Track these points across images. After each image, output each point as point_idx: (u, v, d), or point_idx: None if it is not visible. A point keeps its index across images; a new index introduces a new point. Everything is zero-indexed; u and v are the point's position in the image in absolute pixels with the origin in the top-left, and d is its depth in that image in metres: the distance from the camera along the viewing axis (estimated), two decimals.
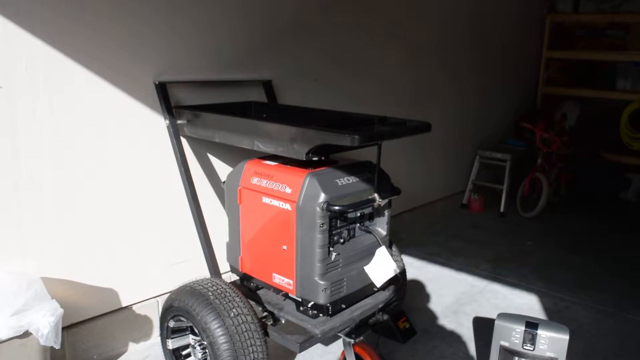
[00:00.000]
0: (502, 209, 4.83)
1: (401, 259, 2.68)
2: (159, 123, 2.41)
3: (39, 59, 2.03)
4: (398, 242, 4.07)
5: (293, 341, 2.00)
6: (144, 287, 2.55)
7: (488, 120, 5.31)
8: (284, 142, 1.97)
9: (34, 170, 2.09)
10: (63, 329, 2.27)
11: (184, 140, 2.52)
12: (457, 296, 3.22)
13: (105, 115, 2.27)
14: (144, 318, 2.56)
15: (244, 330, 1.93)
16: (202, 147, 2.64)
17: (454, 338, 2.73)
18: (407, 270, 3.55)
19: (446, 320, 2.92)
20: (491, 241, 4.20)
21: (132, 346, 2.54)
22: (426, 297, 3.20)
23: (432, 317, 2.96)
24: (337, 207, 1.93)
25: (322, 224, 1.94)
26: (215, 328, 1.91)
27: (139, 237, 2.48)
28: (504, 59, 5.29)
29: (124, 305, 2.49)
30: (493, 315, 2.34)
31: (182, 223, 2.57)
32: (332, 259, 2.03)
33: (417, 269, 3.62)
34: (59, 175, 2.17)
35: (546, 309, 3.08)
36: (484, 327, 2.82)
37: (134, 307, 2.53)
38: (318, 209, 1.92)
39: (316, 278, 1.99)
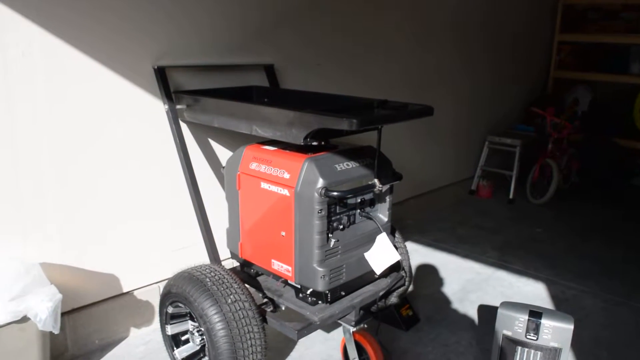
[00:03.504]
0: (511, 196, 4.76)
1: (404, 245, 2.63)
2: (158, 108, 2.38)
3: (35, 44, 2.00)
4: (404, 228, 4.04)
5: (291, 328, 1.98)
6: (146, 273, 2.54)
7: (498, 105, 5.22)
8: (282, 126, 1.93)
9: (33, 156, 2.08)
10: (64, 313, 2.29)
11: (184, 126, 2.49)
12: (463, 283, 3.18)
13: (104, 100, 2.25)
14: (146, 303, 2.56)
15: (242, 316, 1.92)
16: (203, 133, 2.62)
17: (458, 326, 2.70)
18: (412, 257, 3.53)
19: (451, 308, 2.88)
20: (499, 228, 4.14)
21: (133, 331, 2.55)
22: (431, 284, 3.17)
23: (437, 304, 2.93)
24: (335, 193, 1.89)
25: (321, 209, 1.91)
26: (213, 314, 1.89)
27: (141, 222, 2.47)
28: (514, 43, 5.18)
29: (125, 290, 2.49)
30: (498, 303, 2.30)
31: (184, 209, 2.55)
32: (331, 246, 2.00)
33: (423, 255, 3.59)
34: (58, 161, 2.16)
35: (553, 297, 3.03)
36: (489, 315, 2.78)
37: (136, 293, 2.53)
38: (316, 194, 1.89)
39: (314, 265, 1.96)
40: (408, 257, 2.68)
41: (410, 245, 3.73)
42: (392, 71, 3.77)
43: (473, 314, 2.83)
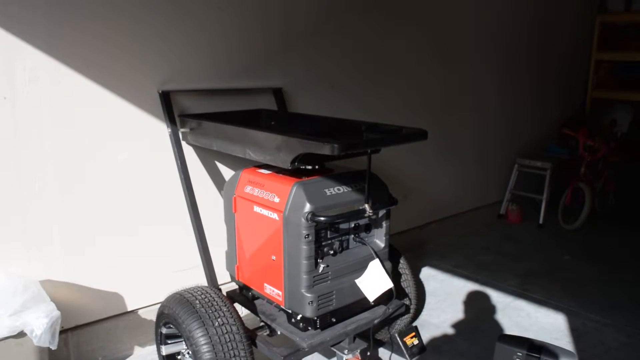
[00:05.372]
0: (540, 221, 4.57)
1: (409, 272, 2.57)
2: (162, 131, 2.44)
3: (41, 70, 2.11)
4: (423, 253, 3.94)
5: (278, 354, 1.96)
6: (151, 292, 2.58)
7: (531, 127, 5.06)
8: (271, 150, 1.94)
9: (38, 179, 2.18)
10: (68, 330, 2.36)
11: (190, 148, 2.55)
12: (477, 312, 3.06)
13: (109, 123, 2.33)
14: (150, 322, 2.59)
15: (228, 340, 1.91)
16: (211, 156, 2.66)
17: (466, 357, 2.59)
18: (428, 283, 3.45)
19: (461, 338, 2.78)
20: (524, 254, 3.97)
21: (137, 349, 2.59)
22: (443, 312, 3.06)
23: (447, 334, 2.82)
24: (322, 218, 1.88)
25: (308, 234, 1.89)
26: (199, 337, 1.90)
27: (146, 243, 2.53)
28: (549, 62, 5.03)
29: (129, 309, 2.54)
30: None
31: (189, 230, 2.58)
32: (320, 271, 1.98)
33: (440, 282, 3.48)
34: (62, 182, 2.24)
35: (573, 329, 2.86)
36: None
37: (140, 312, 2.57)
38: (303, 219, 1.88)
39: (302, 290, 1.94)
40: (414, 284, 2.62)
41: (427, 271, 3.64)
42: (413, 91, 3.72)
43: (484, 345, 2.71)
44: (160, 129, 2.45)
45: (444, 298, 3.24)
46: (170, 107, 2.40)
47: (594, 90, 5.52)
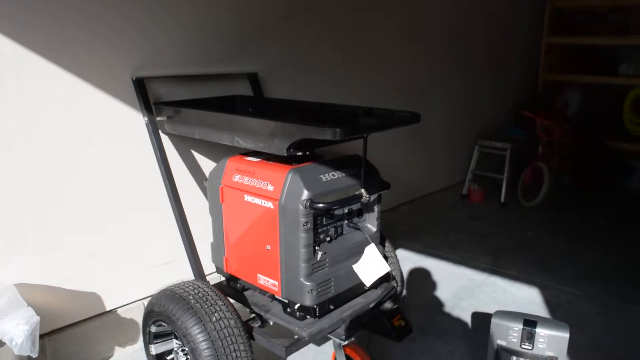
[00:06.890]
0: (502, 199, 4.72)
1: (395, 254, 2.58)
2: (138, 120, 2.31)
3: (6, 56, 1.93)
4: (396, 235, 3.98)
5: (279, 345, 1.91)
6: (129, 290, 2.47)
7: (488, 109, 5.19)
8: (264, 137, 1.88)
9: (7, 173, 2.01)
10: (44, 335, 2.21)
11: (166, 138, 2.43)
12: (455, 291, 3.13)
13: (81, 113, 2.19)
14: (130, 321, 2.48)
15: (227, 335, 1.85)
16: (187, 144, 2.55)
17: (451, 335, 2.64)
18: (403, 264, 3.48)
19: (443, 317, 2.83)
20: (491, 232, 4.10)
21: (118, 350, 2.47)
22: (423, 292, 3.11)
23: (429, 313, 2.87)
24: (321, 205, 1.83)
25: (306, 222, 1.85)
26: (196, 333, 1.82)
27: (122, 238, 2.40)
28: (503, 46, 5.17)
29: (108, 309, 2.41)
30: (492, 310, 2.25)
31: (167, 223, 2.47)
32: (318, 259, 1.94)
33: (414, 262, 3.53)
34: (34, 177, 2.08)
35: (548, 302, 2.98)
36: (482, 323, 2.72)
37: (119, 311, 2.45)
38: (301, 207, 1.83)
39: (301, 279, 1.90)
40: (399, 265, 2.63)
41: (401, 253, 3.68)
42: (381, 78, 3.73)
43: (466, 322, 2.77)
44: (135, 118, 2.31)
45: (421, 279, 3.29)
46: (145, 95, 2.27)
47: (544, 72, 5.73)
